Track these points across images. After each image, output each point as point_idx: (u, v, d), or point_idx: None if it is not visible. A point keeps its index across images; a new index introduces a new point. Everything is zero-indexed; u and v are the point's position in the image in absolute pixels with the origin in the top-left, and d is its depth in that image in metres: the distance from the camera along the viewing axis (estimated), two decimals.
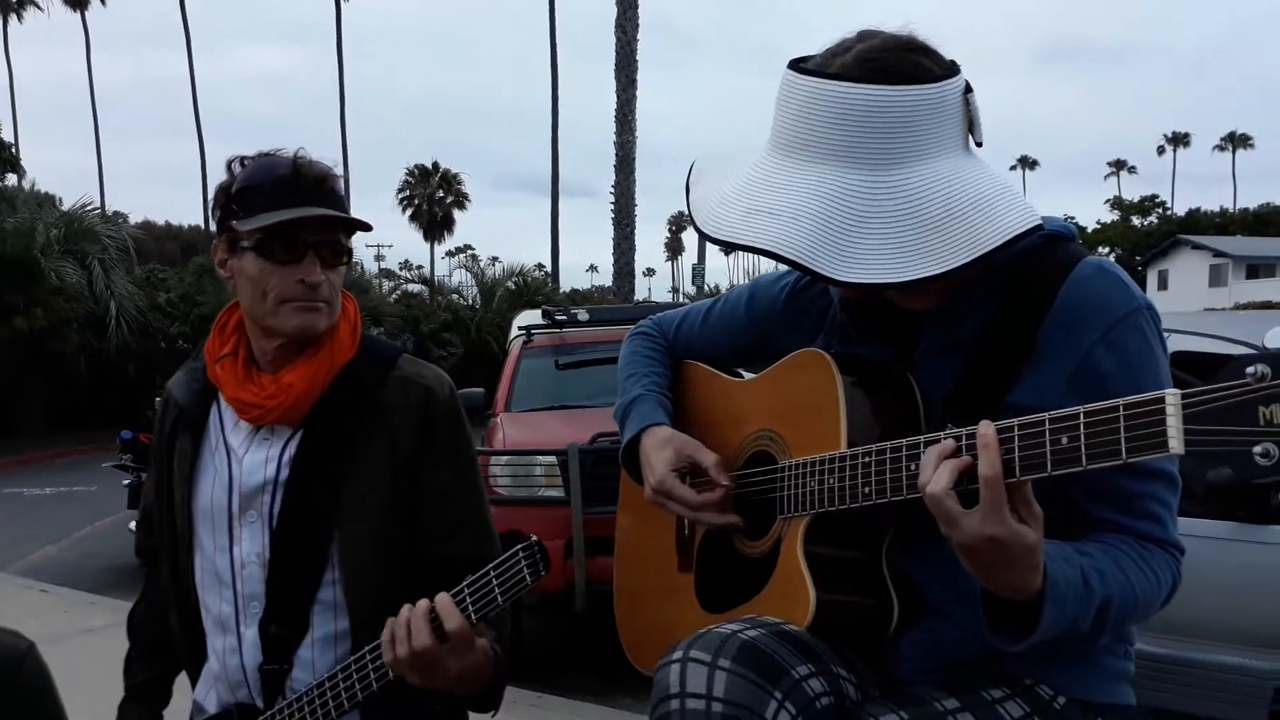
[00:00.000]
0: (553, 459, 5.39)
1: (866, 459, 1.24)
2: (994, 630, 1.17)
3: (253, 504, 1.65)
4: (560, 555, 5.09)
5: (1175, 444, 0.96)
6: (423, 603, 1.44)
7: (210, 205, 1.69)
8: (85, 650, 5.44)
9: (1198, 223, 51.05)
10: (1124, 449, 1.00)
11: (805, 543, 1.32)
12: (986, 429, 1.08)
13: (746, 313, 1.65)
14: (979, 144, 1.27)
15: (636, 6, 22.86)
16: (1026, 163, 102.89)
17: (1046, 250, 1.31)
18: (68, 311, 19.49)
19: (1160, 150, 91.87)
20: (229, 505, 1.67)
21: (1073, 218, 50.94)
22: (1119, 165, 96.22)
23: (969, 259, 1.17)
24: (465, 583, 1.41)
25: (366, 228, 1.67)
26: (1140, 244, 50.40)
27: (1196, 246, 47.49)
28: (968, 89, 1.25)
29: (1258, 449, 0.92)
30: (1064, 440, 1.04)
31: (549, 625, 6.39)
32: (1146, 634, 3.23)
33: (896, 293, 1.32)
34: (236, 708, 1.67)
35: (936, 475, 1.10)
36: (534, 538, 1.36)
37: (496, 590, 1.38)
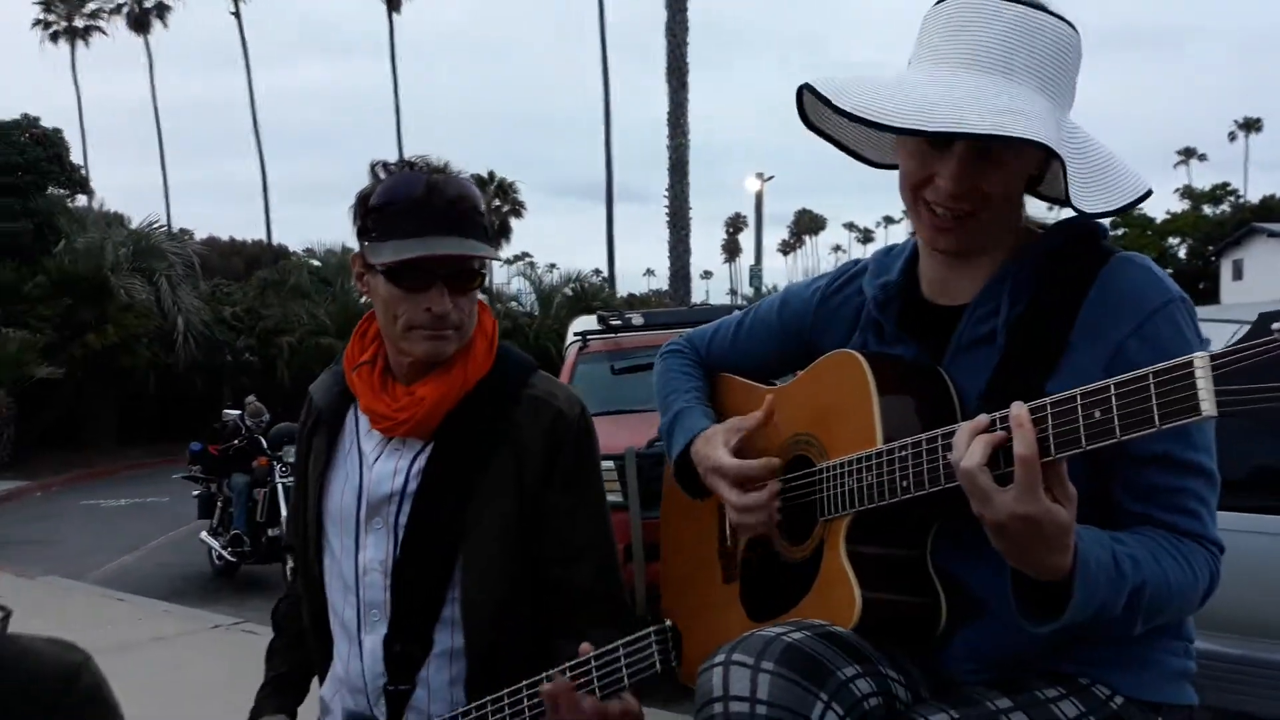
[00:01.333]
0: (609, 463, 5.38)
1: (903, 452, 1.23)
2: (1024, 612, 1.16)
3: (379, 512, 1.67)
4: (619, 560, 5.07)
5: (1207, 405, 0.95)
6: (553, 687, 1.41)
7: (350, 213, 1.68)
8: (158, 657, 5.58)
9: (1272, 210, 49.56)
10: (1157, 415, 0.99)
11: (848, 543, 1.31)
12: (1019, 409, 1.08)
13: (780, 320, 1.64)
14: None
15: (686, 10, 22.87)
16: None
17: (1079, 245, 1.32)
18: (137, 327, 20.04)
19: (1231, 136, 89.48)
20: (357, 510, 1.68)
21: (1141, 208, 49.90)
22: (1188, 153, 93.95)
23: (1128, 200, 1.20)
24: (592, 654, 1.39)
25: (495, 257, 1.68)
26: (1213, 233, 49.12)
27: (1272, 234, 46.12)
28: None
29: None
30: (1097, 414, 1.03)
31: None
32: (1224, 635, 3.16)
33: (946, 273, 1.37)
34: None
35: (970, 450, 1.10)
36: (669, 623, 1.34)
37: (624, 670, 1.36)
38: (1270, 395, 0.92)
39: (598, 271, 34.97)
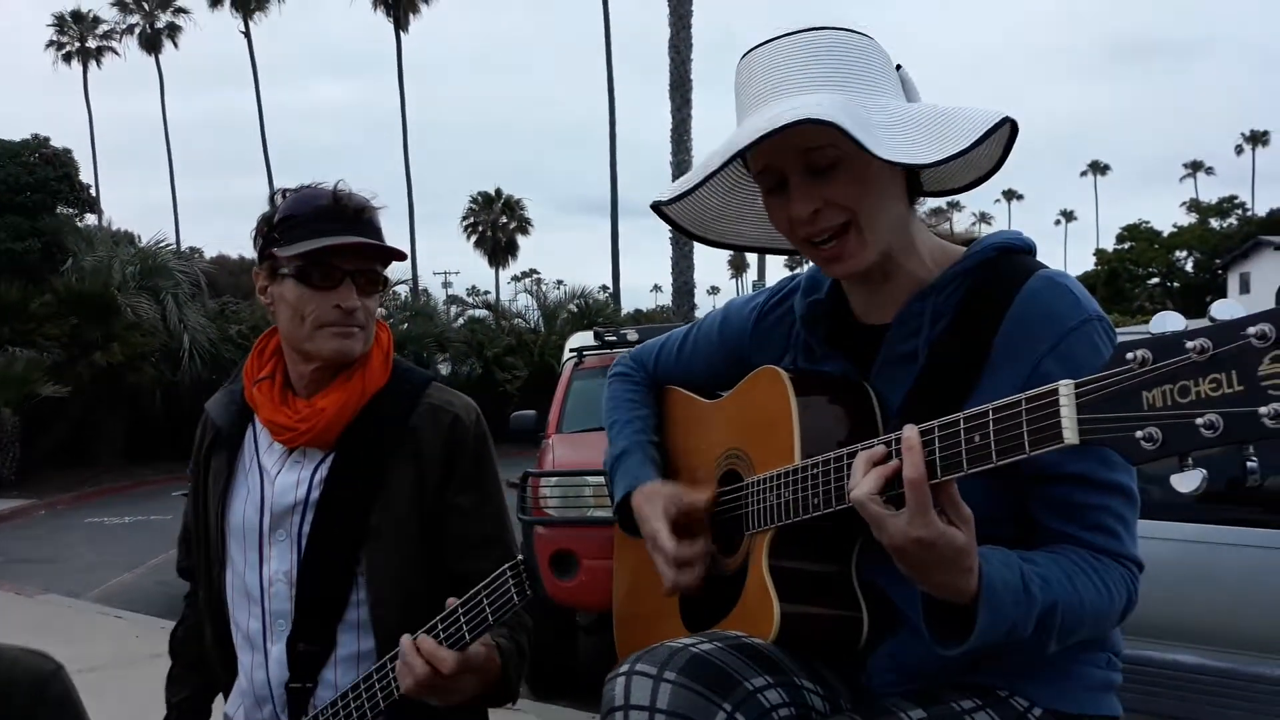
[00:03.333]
0: (601, 479, 5.37)
1: (814, 470, 1.25)
2: (933, 633, 1.17)
3: (283, 523, 1.71)
4: (610, 575, 5.09)
5: (1070, 434, 0.97)
6: (406, 640, 1.49)
7: (254, 235, 1.76)
8: (157, 673, 5.57)
9: (1279, 223, 49.44)
10: (1026, 442, 1.01)
11: (770, 556, 1.33)
12: (910, 432, 1.10)
13: (720, 338, 1.67)
14: None
15: (690, 27, 22.93)
16: (1098, 168, 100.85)
17: (1000, 263, 1.33)
18: (143, 346, 20.12)
19: (1239, 150, 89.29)
20: (260, 524, 1.73)
21: (1148, 222, 49.77)
22: (1195, 167, 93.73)
23: (980, 134, 1.21)
24: (457, 603, 1.46)
25: (400, 256, 1.73)
26: (1220, 246, 49.00)
27: (1279, 248, 45.96)
28: (898, 65, 1.34)
29: (1140, 434, 0.92)
30: (976, 438, 1.05)
31: (606, 645, 6.39)
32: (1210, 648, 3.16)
33: (861, 287, 1.39)
34: None
35: (863, 480, 1.12)
36: (520, 557, 1.40)
37: (488, 609, 1.42)
38: (1128, 424, 0.93)
39: (604, 288, 35.08)
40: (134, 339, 19.93)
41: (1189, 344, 0.90)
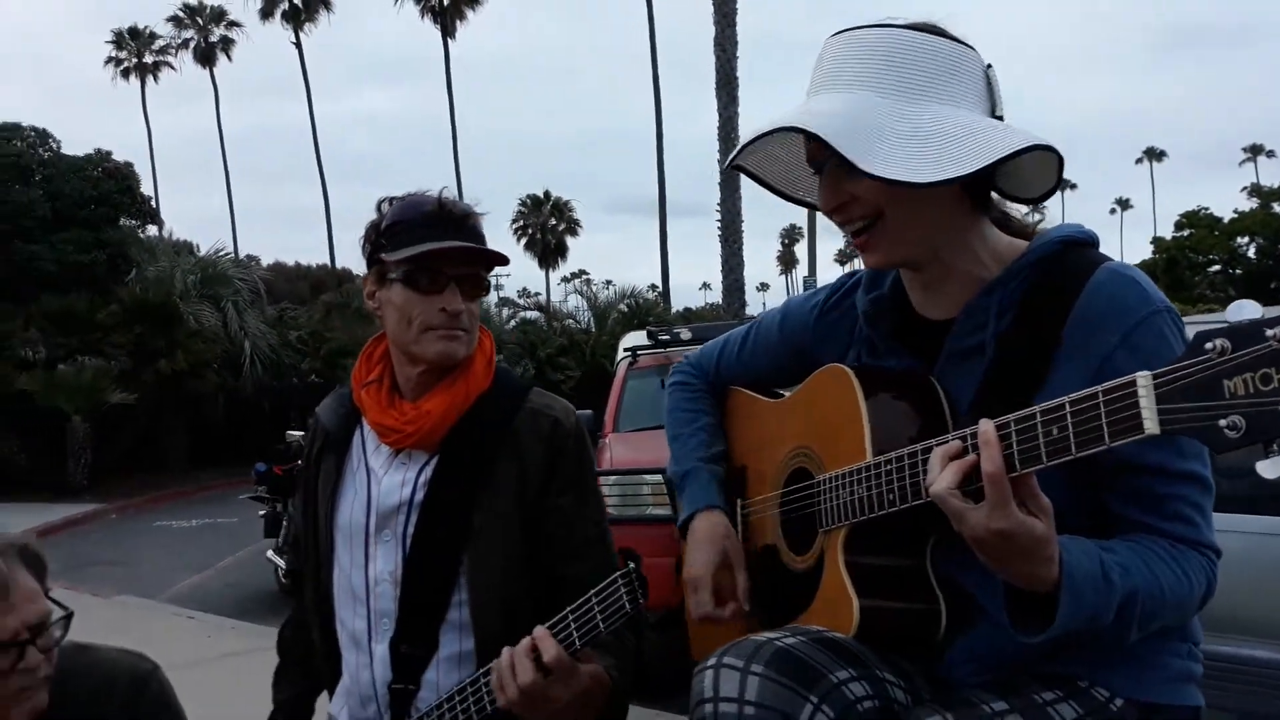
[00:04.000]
0: (659, 477, 5.44)
1: (888, 467, 1.27)
2: (1015, 623, 1.19)
3: (388, 524, 1.75)
4: (672, 572, 5.11)
5: (1150, 424, 0.98)
6: (524, 640, 1.51)
7: (360, 243, 1.82)
8: (228, 673, 5.72)
9: None
10: (1106, 434, 1.02)
11: (845, 553, 1.36)
12: (986, 426, 1.12)
13: (780, 335, 1.69)
14: (999, 118, 1.33)
15: (735, 25, 22.87)
16: (1154, 154, 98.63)
17: (1065, 256, 1.34)
18: (206, 353, 20.52)
19: None
20: (366, 524, 1.77)
21: (1207, 208, 48.46)
22: (1255, 150, 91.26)
23: (976, 166, 1.22)
24: (568, 609, 1.48)
25: (503, 260, 1.78)
26: None
27: None
28: (988, 66, 1.34)
29: (1224, 422, 0.93)
30: (1054, 431, 1.07)
31: (670, 642, 6.41)
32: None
33: (916, 275, 1.42)
34: None
35: (942, 475, 1.14)
36: (631, 565, 1.42)
37: (599, 617, 1.44)
38: (1210, 413, 0.94)
39: (653, 287, 35.07)
40: (196, 346, 20.33)
41: (1269, 332, 0.91)
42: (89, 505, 16.49)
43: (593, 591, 1.44)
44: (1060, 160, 1.30)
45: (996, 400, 1.27)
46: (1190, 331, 1.31)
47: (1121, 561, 1.19)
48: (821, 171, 1.36)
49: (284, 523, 9.52)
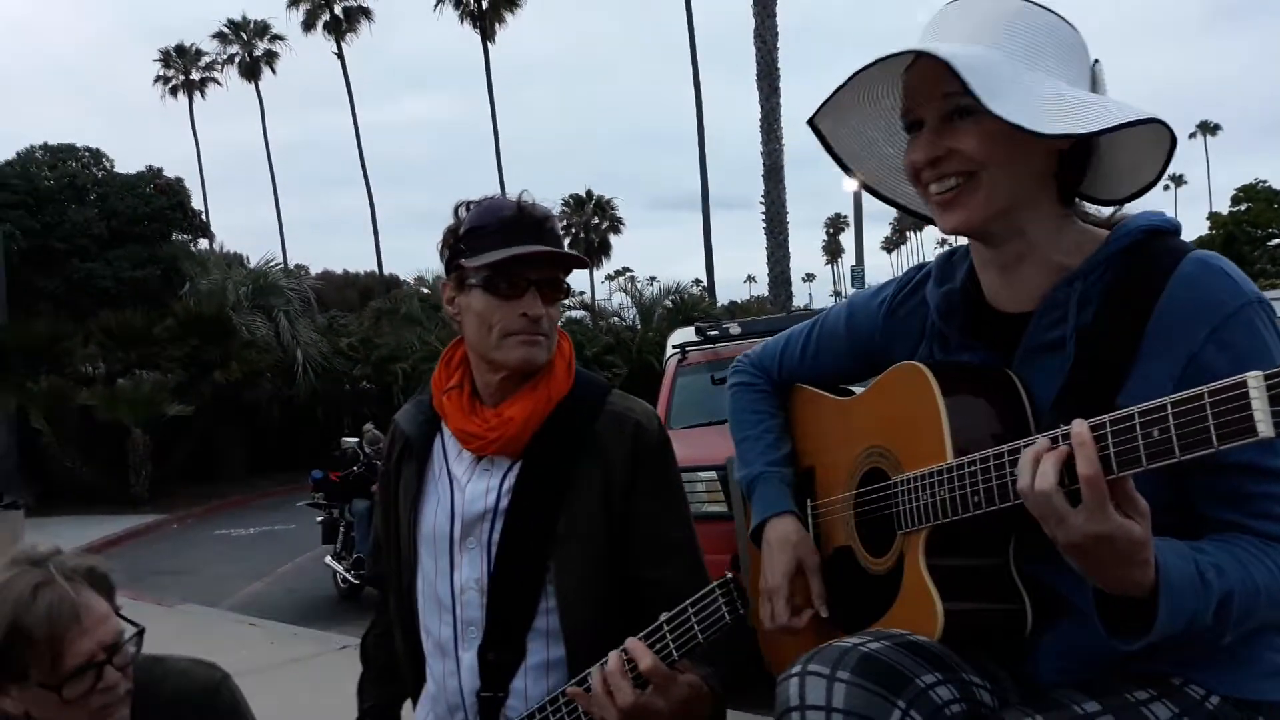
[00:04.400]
0: (713, 474, 5.40)
1: (973, 468, 1.23)
2: (1111, 630, 1.14)
3: (473, 531, 1.73)
4: (725, 570, 5.07)
5: (1264, 427, 0.93)
6: (613, 658, 1.47)
7: (439, 248, 1.79)
8: (292, 677, 5.80)
9: None
10: (1214, 436, 0.97)
11: (927, 555, 1.32)
12: (1080, 427, 1.07)
13: (848, 333, 1.65)
14: None
15: (775, 15, 22.75)
16: (1207, 128, 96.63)
17: (1149, 246, 1.29)
18: (259, 362, 20.88)
19: None
20: (451, 531, 1.75)
21: (1265, 181, 47.31)
22: None
23: (1106, 125, 1.19)
24: (664, 618, 1.44)
25: (584, 264, 1.77)
26: None
27: None
28: (1095, 61, 1.31)
29: None
30: (1155, 433, 1.02)
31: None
32: None
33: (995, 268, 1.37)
34: None
35: (1041, 471, 1.09)
36: (730, 574, 1.38)
37: (696, 627, 1.40)
38: None
39: (698, 281, 35.05)
40: (250, 356, 20.68)
41: None
42: (150, 516, 16.84)
43: (689, 601, 1.40)
44: (1172, 146, 1.25)
45: (1079, 398, 1.22)
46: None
47: (1215, 562, 1.14)
48: (916, 126, 1.32)
49: (340, 528, 9.64)
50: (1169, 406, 1.01)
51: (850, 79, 1.32)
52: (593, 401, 1.76)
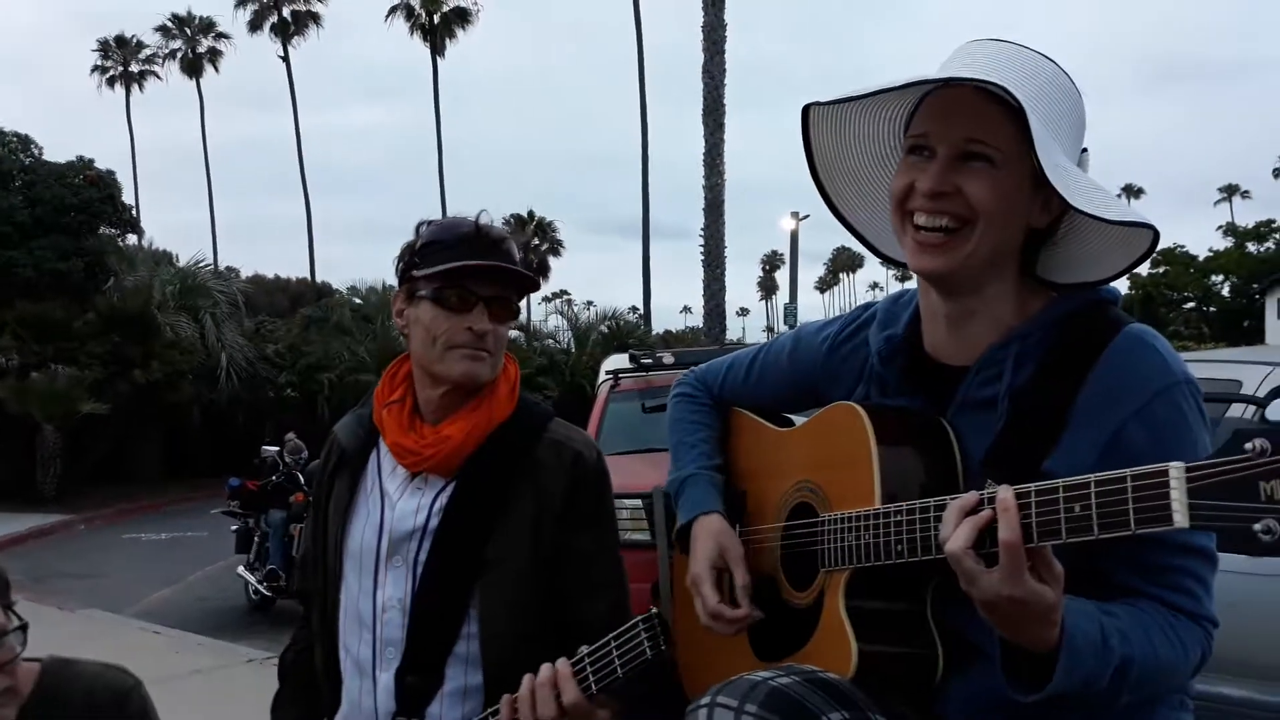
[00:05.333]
0: (638, 502, 5.41)
1: (899, 516, 1.25)
2: (1011, 680, 1.17)
3: (400, 550, 1.71)
4: (648, 598, 5.10)
5: (1180, 518, 0.96)
6: (545, 670, 1.47)
7: (394, 262, 1.80)
8: (195, 689, 5.65)
9: None
10: (1132, 520, 1.00)
11: (846, 596, 1.34)
12: (1006, 494, 1.09)
13: (790, 364, 1.66)
14: None
15: (724, 52, 23.04)
16: (1131, 191, 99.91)
17: (1089, 315, 1.32)
18: (182, 364, 20.39)
19: (1276, 173, 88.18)
20: (378, 548, 1.73)
21: (1183, 246, 49.05)
22: (1230, 190, 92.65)
23: (1130, 220, 1.20)
24: (585, 651, 1.44)
25: (535, 286, 1.77)
26: (1257, 271, 48.27)
27: None
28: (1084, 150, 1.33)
29: (1259, 525, 0.92)
30: (1077, 509, 1.05)
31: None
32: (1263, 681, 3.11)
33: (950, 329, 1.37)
34: None
35: (957, 533, 1.12)
36: (654, 609, 1.38)
37: (617, 662, 1.40)
38: (1243, 514, 0.93)
39: (634, 309, 35.15)
40: (173, 357, 20.19)
41: None
42: (57, 516, 16.30)
43: (612, 635, 1.41)
44: (1149, 251, 1.26)
45: (1008, 459, 1.25)
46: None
47: (1121, 627, 1.17)
48: (922, 151, 1.30)
49: (255, 538, 9.44)
50: (1093, 484, 1.04)
51: (892, 89, 1.27)
52: (534, 427, 1.75)
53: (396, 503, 1.73)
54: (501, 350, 1.74)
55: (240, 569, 9.41)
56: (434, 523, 1.70)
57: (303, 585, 1.97)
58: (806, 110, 1.39)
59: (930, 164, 1.28)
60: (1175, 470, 0.97)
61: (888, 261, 1.54)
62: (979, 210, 1.26)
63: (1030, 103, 1.19)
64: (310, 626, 1.89)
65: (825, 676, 1.27)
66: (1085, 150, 1.33)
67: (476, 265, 1.66)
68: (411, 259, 1.73)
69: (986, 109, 1.24)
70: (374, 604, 1.72)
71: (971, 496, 1.14)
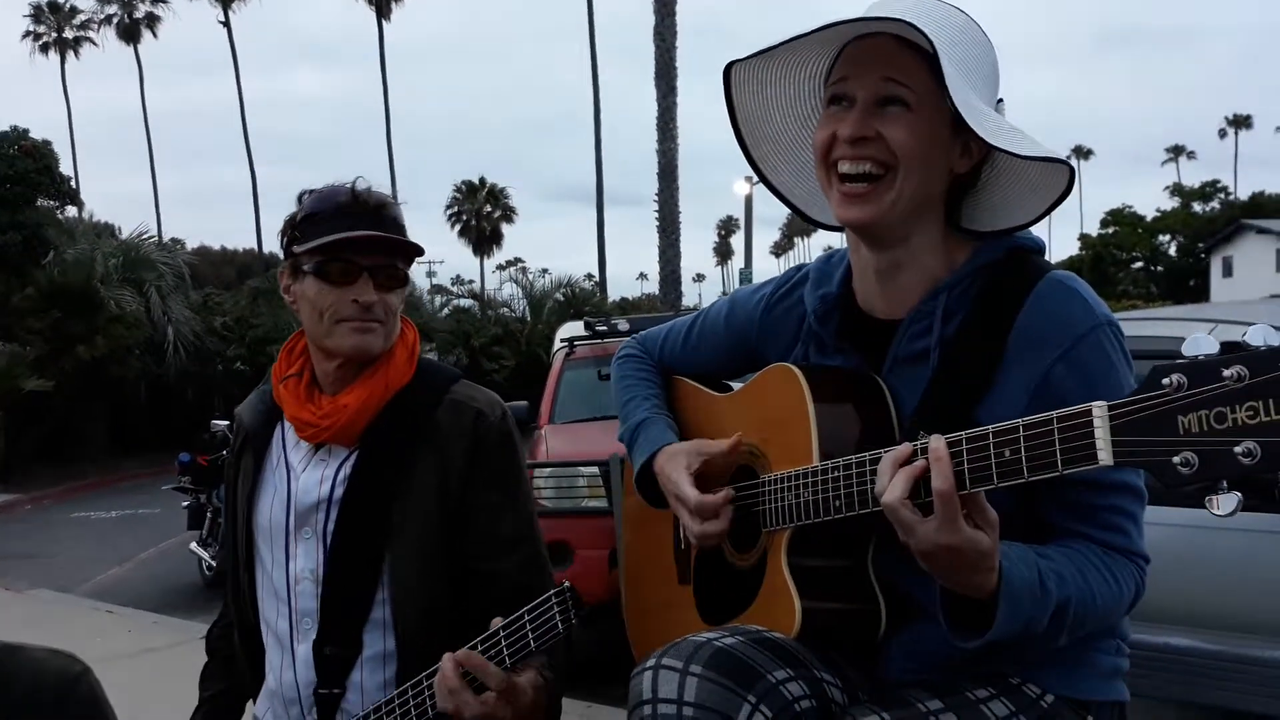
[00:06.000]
0: (595, 470, 5.43)
1: (835, 473, 1.27)
2: (952, 628, 1.20)
3: (308, 521, 1.71)
4: (606, 565, 5.13)
5: (1104, 455, 0.99)
6: (447, 665, 1.44)
7: (278, 236, 1.77)
8: (149, 669, 5.58)
9: (1262, 207, 49.66)
10: (1059, 460, 1.03)
11: (789, 555, 1.35)
12: (938, 443, 1.11)
13: (726, 328, 1.67)
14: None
15: (674, 15, 22.87)
16: (1081, 152, 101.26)
17: (1012, 263, 1.35)
18: (127, 338, 19.99)
19: (1222, 134, 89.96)
20: (286, 521, 1.73)
21: (1131, 206, 49.91)
22: (1177, 151, 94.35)
23: (1043, 154, 1.24)
24: (499, 624, 1.43)
25: (419, 251, 1.73)
26: (1202, 230, 49.26)
27: (1262, 231, 46.19)
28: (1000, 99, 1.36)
29: (1177, 458, 0.94)
30: (1007, 453, 1.07)
31: (598, 635, 6.42)
32: (1208, 631, 3.19)
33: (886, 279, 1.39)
34: None
35: (892, 485, 1.14)
36: (566, 584, 1.37)
37: (530, 635, 1.40)
38: (1164, 449, 0.95)
39: (590, 276, 35.04)
40: (118, 332, 19.79)
41: (1226, 371, 0.92)
42: (2, 495, 15.99)
43: (525, 609, 1.40)
44: (1065, 193, 1.29)
45: (940, 408, 1.28)
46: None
47: (1057, 569, 1.20)
48: (842, 100, 1.32)
49: (208, 514, 9.32)
50: (1020, 429, 1.06)
51: (806, 34, 1.29)
52: (435, 390, 1.75)
53: (301, 475, 1.73)
54: (394, 318, 1.73)
55: (193, 545, 9.29)
56: (339, 492, 1.70)
57: (224, 564, 1.97)
58: (728, 71, 1.40)
59: (850, 112, 1.31)
60: (1098, 409, 1.00)
61: (815, 225, 1.54)
62: (899, 154, 1.29)
63: (944, 48, 1.22)
64: (227, 603, 1.90)
65: (771, 636, 1.29)
66: (1001, 100, 1.36)
67: (353, 237, 1.64)
68: (293, 233, 1.71)
69: (900, 55, 1.28)
70: (287, 576, 1.72)
71: (905, 448, 1.16)
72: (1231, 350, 0.93)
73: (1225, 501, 0.93)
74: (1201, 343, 0.95)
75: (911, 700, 1.28)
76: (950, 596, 1.19)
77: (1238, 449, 0.90)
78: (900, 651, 1.35)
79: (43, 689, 1.82)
